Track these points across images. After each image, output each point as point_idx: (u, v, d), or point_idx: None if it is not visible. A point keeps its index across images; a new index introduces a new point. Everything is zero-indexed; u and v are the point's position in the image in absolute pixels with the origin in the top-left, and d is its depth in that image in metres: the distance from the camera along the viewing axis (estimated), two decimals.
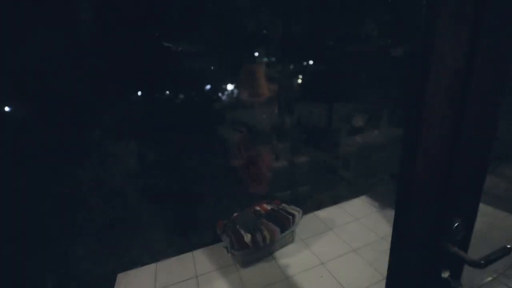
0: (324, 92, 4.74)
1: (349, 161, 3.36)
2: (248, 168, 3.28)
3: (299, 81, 5.08)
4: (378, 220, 2.63)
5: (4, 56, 2.21)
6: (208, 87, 4.12)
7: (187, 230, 2.71)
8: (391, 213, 2.03)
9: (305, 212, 2.80)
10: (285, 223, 2.31)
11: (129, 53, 2.92)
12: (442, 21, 0.49)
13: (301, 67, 5.09)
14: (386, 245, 0.86)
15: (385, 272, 0.75)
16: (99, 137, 2.77)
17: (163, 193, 2.96)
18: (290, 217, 2.35)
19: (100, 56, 2.65)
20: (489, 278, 1.90)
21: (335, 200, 3.02)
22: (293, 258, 2.31)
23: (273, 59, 4.29)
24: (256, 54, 4.16)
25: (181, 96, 4.00)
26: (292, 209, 2.48)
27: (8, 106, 2.44)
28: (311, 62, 5.14)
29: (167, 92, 3.96)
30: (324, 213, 2.86)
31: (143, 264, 2.38)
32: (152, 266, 2.36)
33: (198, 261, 2.37)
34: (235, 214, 2.50)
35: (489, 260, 0.66)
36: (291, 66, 4.95)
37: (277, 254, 2.36)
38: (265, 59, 4.26)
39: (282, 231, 2.29)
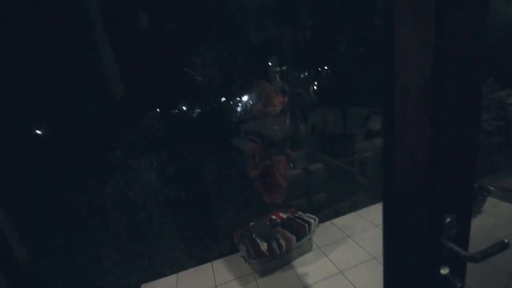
0: (338, 97, 4.71)
1: (366, 166, 3.29)
2: (263, 178, 3.32)
3: (314, 87, 5.10)
4: None
5: (35, 83, 2.46)
6: (222, 99, 4.27)
7: (206, 241, 2.77)
8: None
9: (322, 220, 2.77)
10: (300, 231, 2.31)
11: (148, 73, 3.13)
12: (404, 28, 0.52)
13: (315, 73, 5.11)
14: None
15: None
16: (121, 153, 2.95)
17: (183, 205, 3.06)
18: (306, 225, 2.35)
19: (123, 78, 2.86)
20: None
21: (353, 207, 2.96)
22: (311, 266, 2.28)
23: (286, 67, 4.37)
24: (270, 63, 4.28)
25: (197, 110, 4.18)
26: (307, 217, 2.47)
27: (40, 130, 2.69)
28: (325, 67, 5.15)
29: (184, 107, 4.15)
30: (341, 221, 2.82)
31: (165, 275, 2.46)
32: (173, 277, 2.43)
33: (217, 271, 2.41)
34: (251, 224, 2.53)
35: (485, 255, 0.66)
36: (306, 73, 4.99)
37: (295, 263, 2.35)
38: (278, 68, 4.35)
39: (298, 239, 2.28)
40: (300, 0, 3.57)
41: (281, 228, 2.38)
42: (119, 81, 2.55)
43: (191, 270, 2.49)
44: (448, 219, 0.68)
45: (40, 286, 2.46)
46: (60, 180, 2.67)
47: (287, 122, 3.26)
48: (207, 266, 2.49)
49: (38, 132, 2.73)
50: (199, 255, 2.61)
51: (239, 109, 4.23)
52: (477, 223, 2.31)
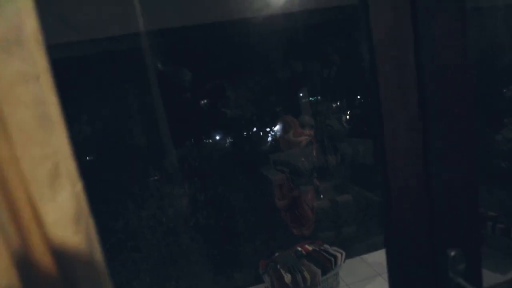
0: (370, 127, 4.66)
1: None
2: (291, 209, 3.31)
3: (347, 117, 5.11)
4: None
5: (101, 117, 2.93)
6: (254, 130, 4.48)
7: (232, 269, 2.79)
8: None
9: (351, 255, 2.66)
10: (326, 264, 2.25)
11: (188, 112, 3.52)
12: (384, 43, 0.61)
13: (347, 103, 5.15)
14: None
15: None
16: (158, 179, 3.20)
17: (211, 232, 3.15)
18: (332, 258, 2.28)
19: (168, 116, 3.25)
20: None
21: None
22: None
23: (316, 98, 4.50)
24: (301, 94, 4.45)
25: (230, 140, 4.42)
26: (334, 250, 2.40)
27: (88, 156, 3.09)
28: (358, 96, 5.17)
29: (217, 137, 4.42)
30: (372, 257, 2.67)
31: None
32: None
33: None
34: (276, 254, 2.52)
35: None
36: (338, 103, 5.05)
37: None
38: (309, 99, 4.50)
39: (324, 273, 2.22)
40: (324, 40, 3.79)
41: (306, 260, 2.34)
42: (164, 119, 2.96)
43: None
44: (452, 253, 0.69)
45: None
46: (101, 202, 2.96)
47: (314, 154, 3.30)
48: None
49: (88, 158, 3.13)
50: (224, 283, 2.63)
51: (268, 139, 4.39)
52: None
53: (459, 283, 0.70)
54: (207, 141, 4.24)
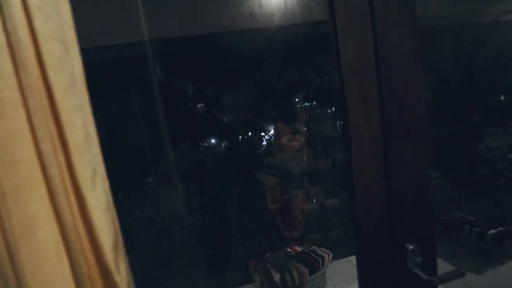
0: None
1: None
2: (282, 212, 3.43)
3: (341, 122, 5.25)
4: None
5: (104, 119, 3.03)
6: (249, 134, 4.60)
7: (224, 269, 2.88)
8: None
9: (339, 256, 2.78)
10: (314, 265, 2.36)
11: (185, 116, 3.66)
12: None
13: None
14: None
15: None
16: (154, 180, 3.29)
17: (204, 233, 3.25)
18: (320, 259, 2.40)
19: (167, 120, 3.38)
20: None
21: None
22: None
23: (311, 104, 4.64)
24: (296, 99, 4.59)
25: (225, 143, 4.53)
26: (322, 251, 2.52)
27: None
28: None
29: (213, 141, 4.53)
30: None
31: None
32: None
33: None
34: (267, 255, 2.63)
35: (442, 279, 0.78)
36: (332, 109, 5.19)
37: None
38: (304, 105, 4.64)
39: (311, 273, 2.33)
40: (318, 50, 3.95)
41: (295, 261, 2.45)
42: (164, 123, 3.10)
43: None
44: (411, 247, 0.81)
45: None
46: None
47: (304, 159, 3.44)
48: None
49: None
50: (215, 282, 2.72)
51: (263, 144, 4.51)
52: (505, 270, 2.20)
53: (416, 273, 0.82)
54: (203, 145, 4.35)
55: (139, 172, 3.25)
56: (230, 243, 3.23)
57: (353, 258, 2.82)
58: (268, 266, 2.40)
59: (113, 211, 0.42)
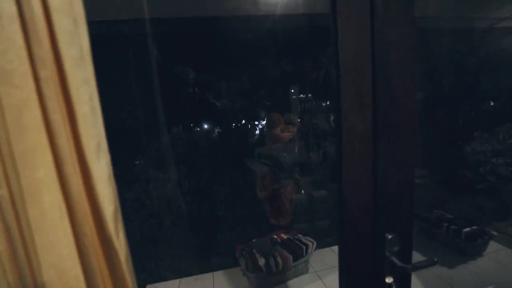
0: None
1: None
2: (271, 200, 3.50)
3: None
4: None
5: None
6: (242, 122, 4.61)
7: (211, 252, 2.95)
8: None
9: (323, 246, 2.88)
10: (298, 252, 2.45)
11: (180, 100, 3.62)
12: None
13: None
14: None
15: None
16: (144, 163, 3.29)
17: (193, 217, 3.30)
18: (304, 246, 2.48)
19: (163, 104, 3.35)
20: None
21: None
22: None
23: (306, 96, 4.66)
24: (292, 91, 4.61)
25: (218, 130, 4.53)
26: (306, 239, 2.60)
27: None
28: None
29: (206, 126, 4.53)
30: None
31: (169, 279, 2.66)
32: (176, 282, 2.62)
33: (217, 281, 2.57)
34: (253, 240, 2.70)
35: (415, 267, 0.84)
36: (327, 102, 5.23)
37: (291, 283, 2.46)
38: (299, 96, 4.66)
39: (295, 259, 2.42)
40: (315, 42, 3.94)
41: (280, 247, 2.53)
42: (160, 106, 3.09)
43: (193, 277, 2.67)
44: (389, 237, 0.87)
45: None
46: None
47: (296, 150, 3.49)
48: (208, 276, 2.66)
49: None
50: (202, 265, 2.79)
51: (256, 133, 4.54)
52: (475, 265, 2.34)
53: (392, 261, 0.87)
54: (196, 129, 4.34)
55: (130, 152, 3.24)
56: (218, 228, 3.30)
57: (336, 248, 2.93)
58: (254, 251, 2.47)
59: (113, 183, 0.44)
